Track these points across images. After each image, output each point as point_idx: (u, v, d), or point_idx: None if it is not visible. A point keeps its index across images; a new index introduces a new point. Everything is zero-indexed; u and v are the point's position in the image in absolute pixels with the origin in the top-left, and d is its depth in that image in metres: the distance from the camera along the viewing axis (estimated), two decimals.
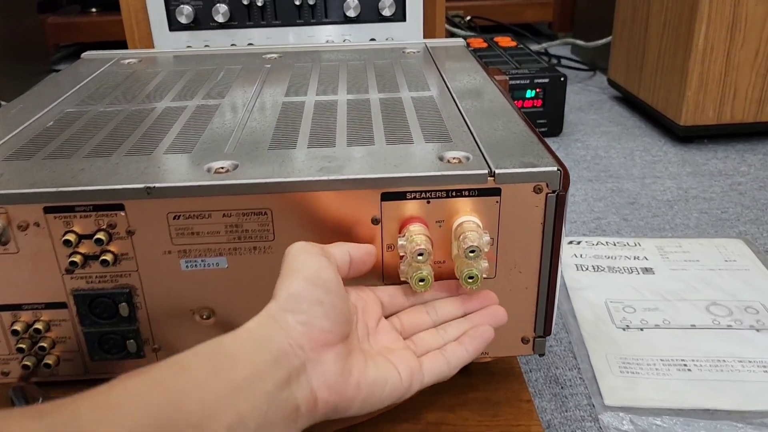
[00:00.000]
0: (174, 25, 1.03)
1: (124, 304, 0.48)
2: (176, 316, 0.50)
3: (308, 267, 0.42)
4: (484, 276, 0.48)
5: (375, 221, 0.47)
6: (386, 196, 0.47)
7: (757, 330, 0.68)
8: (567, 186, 0.48)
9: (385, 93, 0.65)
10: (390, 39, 1.05)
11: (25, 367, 0.50)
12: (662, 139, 1.23)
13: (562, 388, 0.61)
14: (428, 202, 0.47)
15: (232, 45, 1.04)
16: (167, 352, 0.51)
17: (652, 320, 0.70)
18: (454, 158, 0.49)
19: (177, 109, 0.62)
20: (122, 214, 0.46)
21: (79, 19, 1.96)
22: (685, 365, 0.64)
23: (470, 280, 0.48)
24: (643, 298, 0.74)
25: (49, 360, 0.50)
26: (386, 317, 0.48)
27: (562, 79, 1.23)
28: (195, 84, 0.70)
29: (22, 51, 1.67)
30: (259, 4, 1.02)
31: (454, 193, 0.47)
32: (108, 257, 0.47)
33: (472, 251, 0.45)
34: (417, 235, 0.46)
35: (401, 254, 0.47)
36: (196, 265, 0.48)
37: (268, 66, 0.77)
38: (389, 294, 0.49)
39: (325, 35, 1.05)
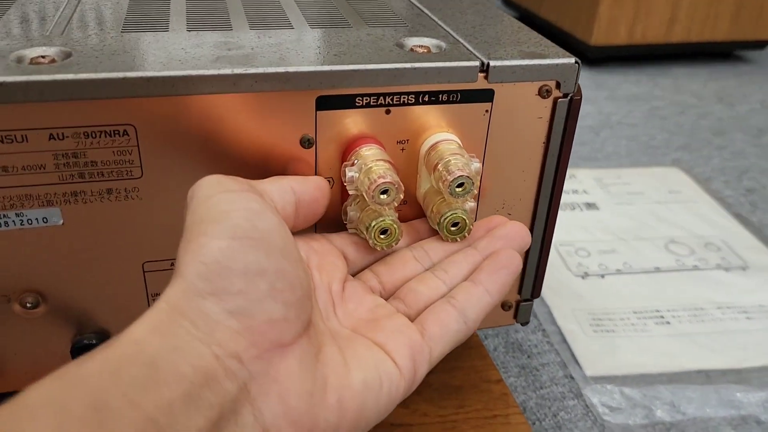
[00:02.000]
0: None
1: None
2: None
3: (234, 213, 0.24)
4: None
5: (306, 142, 0.30)
6: (324, 103, 0.29)
7: (726, 269, 0.59)
8: (580, 90, 0.33)
9: None
10: None
11: None
12: None
13: (529, 357, 0.48)
14: (388, 112, 0.31)
15: None
16: None
17: (611, 265, 0.59)
18: (420, 46, 0.32)
19: None
20: None
21: None
22: (662, 317, 0.53)
23: (454, 228, 0.32)
24: (595, 239, 0.63)
25: None
26: (353, 275, 0.32)
27: None
28: None
29: None
30: None
31: (426, 98, 0.31)
32: None
33: (461, 185, 0.30)
34: (375, 163, 0.29)
35: (350, 192, 0.30)
36: (8, 222, 0.29)
37: None
38: (354, 242, 0.32)
39: None
